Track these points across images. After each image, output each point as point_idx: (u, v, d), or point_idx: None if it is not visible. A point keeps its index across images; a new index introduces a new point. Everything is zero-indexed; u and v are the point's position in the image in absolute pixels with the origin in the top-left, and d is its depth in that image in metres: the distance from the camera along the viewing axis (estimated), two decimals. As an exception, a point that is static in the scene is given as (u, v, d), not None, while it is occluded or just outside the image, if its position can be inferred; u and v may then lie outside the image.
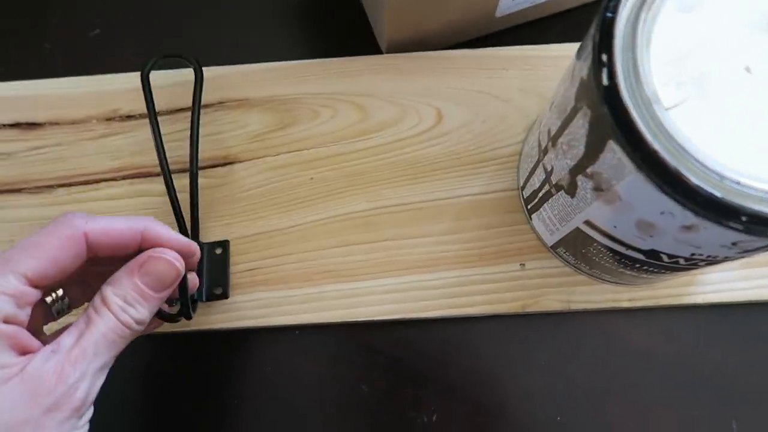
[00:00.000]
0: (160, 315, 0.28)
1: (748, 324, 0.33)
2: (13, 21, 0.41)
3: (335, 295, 0.33)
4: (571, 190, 0.26)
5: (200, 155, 0.35)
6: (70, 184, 0.35)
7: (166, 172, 0.32)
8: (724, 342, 0.33)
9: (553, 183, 0.28)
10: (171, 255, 0.26)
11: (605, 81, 0.20)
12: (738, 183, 0.19)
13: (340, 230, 0.34)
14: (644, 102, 0.20)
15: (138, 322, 0.25)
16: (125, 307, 0.25)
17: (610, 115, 0.20)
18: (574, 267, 0.32)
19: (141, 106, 0.36)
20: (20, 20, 0.41)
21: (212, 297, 0.33)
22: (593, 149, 0.22)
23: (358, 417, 0.33)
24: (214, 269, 0.33)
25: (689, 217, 0.20)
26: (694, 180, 0.19)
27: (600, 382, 0.33)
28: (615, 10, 0.21)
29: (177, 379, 0.34)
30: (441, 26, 0.36)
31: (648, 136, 0.19)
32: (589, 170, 0.23)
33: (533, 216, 0.33)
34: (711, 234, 0.21)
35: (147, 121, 0.35)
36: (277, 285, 0.33)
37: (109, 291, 0.24)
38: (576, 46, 0.36)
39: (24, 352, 0.23)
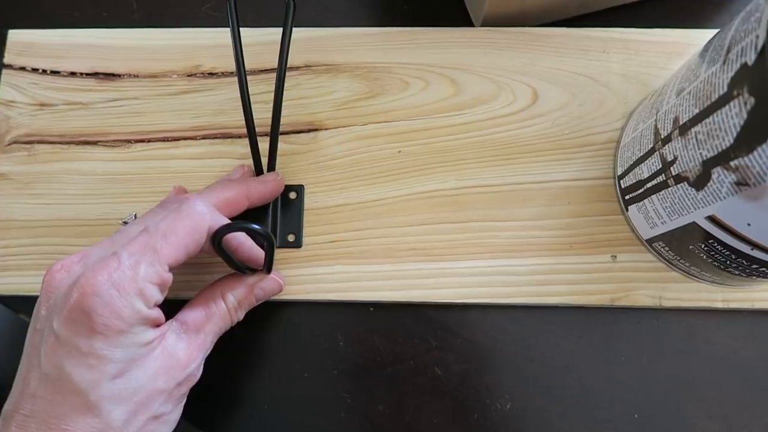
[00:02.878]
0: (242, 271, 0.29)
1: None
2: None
3: (418, 274, 0.32)
4: (700, 182, 0.25)
5: (284, 120, 0.34)
6: (148, 140, 0.34)
7: (251, 129, 0.31)
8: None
9: (673, 174, 0.26)
10: (281, 279, 0.31)
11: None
12: None
13: (426, 207, 0.33)
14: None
15: (235, 321, 0.29)
16: (237, 308, 0.29)
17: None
18: (669, 263, 0.31)
19: (223, 64, 0.35)
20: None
21: (285, 243, 0.32)
22: (749, 141, 0.21)
23: (430, 400, 0.32)
24: (288, 214, 0.33)
25: None
26: None
27: (680, 382, 0.32)
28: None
29: (248, 347, 0.33)
30: (543, 2, 0.34)
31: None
32: (734, 163, 0.22)
33: (630, 207, 0.31)
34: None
35: (229, 80, 0.34)
36: (359, 259, 0.32)
37: (228, 292, 0.28)
38: (677, 32, 0.35)
39: (157, 324, 0.25)
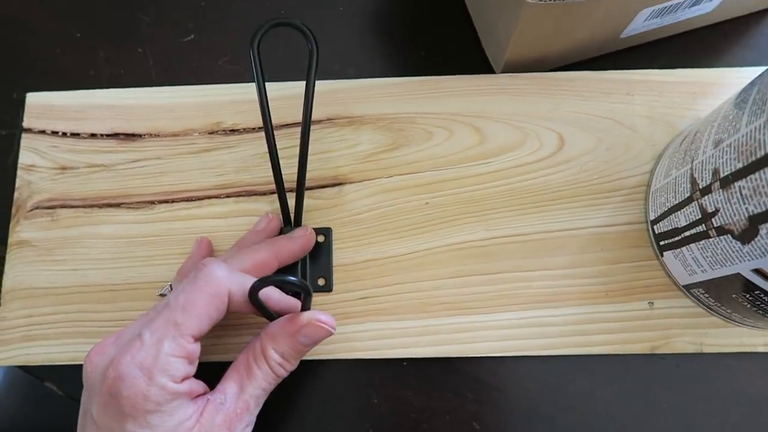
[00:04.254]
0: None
1: None
2: (105, 22, 0.39)
3: (451, 329, 0.31)
4: (746, 236, 0.24)
5: (308, 174, 0.33)
6: (172, 201, 0.33)
7: (280, 185, 0.31)
8: None
9: (715, 226, 0.26)
10: (328, 322, 0.27)
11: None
12: None
13: (457, 260, 0.32)
14: None
15: (287, 374, 0.28)
16: (282, 362, 0.27)
17: None
18: (708, 308, 0.31)
19: (245, 120, 0.35)
20: (112, 22, 0.39)
21: (316, 288, 0.32)
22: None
23: (469, 455, 0.31)
24: (317, 258, 0.32)
25: None
26: None
27: (723, 427, 0.31)
28: None
29: (281, 405, 0.32)
30: (564, 46, 0.34)
31: None
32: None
33: (666, 253, 0.31)
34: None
35: (251, 136, 0.34)
36: (391, 315, 0.32)
37: (269, 348, 0.27)
38: (700, 71, 0.35)
39: (195, 395, 0.25)
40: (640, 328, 0.31)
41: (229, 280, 0.25)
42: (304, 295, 0.27)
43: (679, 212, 0.29)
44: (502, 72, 0.36)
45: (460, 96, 0.35)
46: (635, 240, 0.32)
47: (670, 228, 0.30)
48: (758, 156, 0.22)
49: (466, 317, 0.31)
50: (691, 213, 0.28)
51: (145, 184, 0.34)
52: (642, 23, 0.34)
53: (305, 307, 0.27)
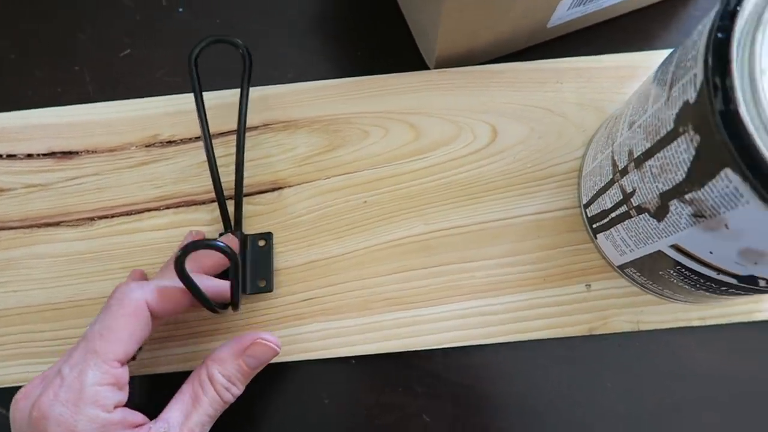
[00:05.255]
0: (208, 307, 0.28)
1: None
2: (40, 42, 0.39)
3: (396, 324, 0.32)
4: (660, 214, 0.25)
5: (247, 180, 0.34)
6: (111, 216, 0.33)
7: (219, 194, 0.31)
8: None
9: (634, 205, 0.27)
10: (273, 340, 0.28)
11: (720, 106, 0.19)
12: None
13: (397, 255, 0.33)
14: (767, 127, 0.19)
15: (235, 397, 0.27)
16: (229, 386, 0.27)
17: (729, 142, 0.19)
18: (642, 286, 0.31)
19: (182, 131, 0.35)
20: (49, 42, 0.39)
21: (257, 290, 0.32)
22: (699, 176, 0.21)
23: (422, 448, 0.32)
24: (258, 261, 0.32)
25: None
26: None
27: (668, 403, 0.32)
28: (729, 31, 0.20)
29: (232, 411, 0.32)
30: (492, 38, 0.35)
31: (773, 164, 0.18)
32: (688, 196, 0.22)
33: (599, 235, 0.32)
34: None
35: (189, 146, 0.34)
36: (336, 315, 0.32)
37: (215, 371, 0.27)
38: (626, 56, 0.36)
39: (133, 425, 0.25)
40: (579, 311, 0.32)
41: (143, 293, 0.25)
42: (231, 264, 0.27)
43: (605, 194, 0.29)
44: (435, 68, 0.36)
45: (395, 94, 0.35)
46: (570, 225, 0.33)
47: (599, 210, 0.31)
48: (662, 135, 0.23)
49: (409, 311, 0.32)
50: (614, 195, 0.28)
51: (83, 201, 0.34)
52: (566, 12, 0.35)
53: (233, 276, 0.28)
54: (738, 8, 0.20)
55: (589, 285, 0.32)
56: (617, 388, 0.32)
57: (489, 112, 0.35)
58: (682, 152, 0.22)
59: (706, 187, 0.21)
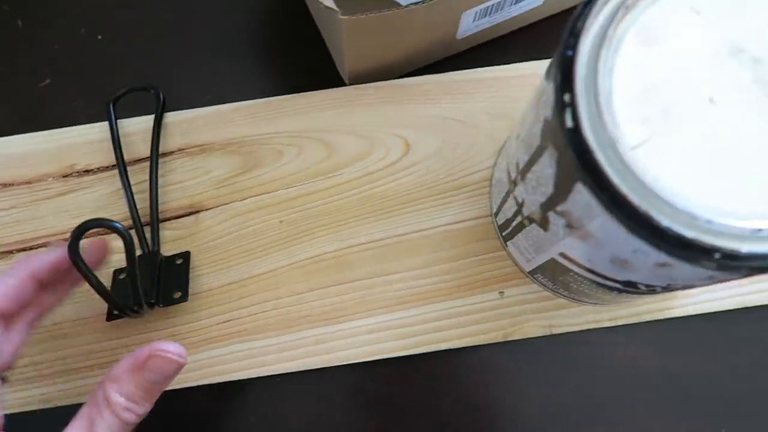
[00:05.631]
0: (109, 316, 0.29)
1: (730, 331, 0.33)
2: (-43, 77, 0.39)
3: (314, 341, 0.32)
4: (544, 224, 0.25)
5: (165, 205, 0.34)
6: (30, 248, 0.34)
7: (135, 219, 0.32)
8: (709, 351, 0.33)
9: (525, 215, 0.27)
10: (173, 351, 0.25)
11: (569, 123, 0.20)
12: (709, 221, 0.19)
13: (314, 273, 0.33)
14: (609, 143, 0.19)
15: (140, 417, 0.25)
16: (130, 406, 0.24)
17: (575, 157, 0.20)
18: (553, 291, 0.32)
19: (99, 160, 0.35)
20: (-35, 76, 0.39)
21: (171, 302, 0.32)
22: (562, 189, 0.22)
23: (348, 461, 0.32)
24: (174, 276, 0.33)
25: (662, 256, 0.20)
26: (665, 222, 0.19)
27: (589, 402, 0.33)
28: (575, 48, 0.21)
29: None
30: (402, 53, 0.35)
31: (614, 179, 0.19)
32: (559, 208, 0.23)
33: (509, 243, 0.32)
34: (686, 270, 0.20)
35: (106, 174, 0.35)
36: (255, 335, 0.32)
37: (112, 392, 0.24)
38: (539, 63, 0.36)
39: None
40: (493, 318, 0.32)
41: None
42: (124, 243, 0.27)
43: (506, 204, 0.30)
44: (351, 84, 0.37)
45: (308, 112, 0.36)
46: (483, 233, 0.34)
47: (504, 220, 0.31)
48: (533, 149, 0.24)
49: (327, 327, 0.32)
50: (511, 205, 0.29)
51: (1, 234, 0.34)
52: (473, 24, 0.35)
53: (129, 258, 0.27)
54: (583, 26, 0.21)
55: (503, 292, 0.33)
56: (539, 391, 0.33)
57: (402, 125, 0.35)
58: (547, 167, 0.22)
59: (568, 201, 0.22)
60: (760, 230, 0.19)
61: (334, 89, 0.36)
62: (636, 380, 0.33)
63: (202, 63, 0.39)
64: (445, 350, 0.32)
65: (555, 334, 0.33)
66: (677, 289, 0.24)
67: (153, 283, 0.31)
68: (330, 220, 0.34)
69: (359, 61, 0.34)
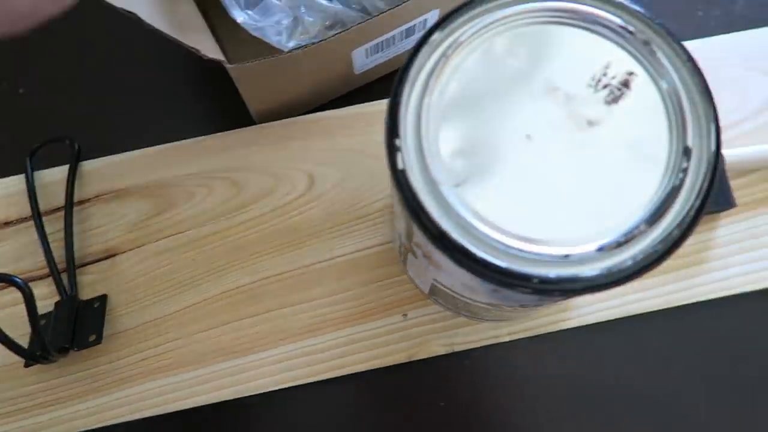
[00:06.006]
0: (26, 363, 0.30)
1: (630, 336, 0.35)
2: None
3: (228, 372, 0.34)
4: (416, 253, 0.27)
5: (82, 251, 0.36)
6: (-47, 300, 0.35)
7: (52, 266, 0.34)
8: (610, 356, 0.35)
9: (403, 244, 0.29)
10: None
11: (399, 165, 0.22)
12: (521, 251, 0.20)
13: (228, 306, 0.35)
14: (432, 183, 0.21)
15: None
16: None
17: (402, 197, 0.21)
18: (452, 311, 0.34)
19: (17, 211, 0.37)
20: None
21: (86, 345, 0.34)
22: (409, 224, 0.23)
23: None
24: (91, 319, 0.34)
25: (487, 284, 0.21)
26: (480, 254, 0.20)
27: (498, 414, 0.34)
28: (401, 95, 0.22)
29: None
30: (302, 91, 0.37)
31: (436, 216, 0.21)
32: (414, 241, 0.25)
33: (408, 267, 0.34)
34: (514, 294, 0.22)
35: (24, 225, 0.36)
36: (171, 371, 0.34)
37: None
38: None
39: None
40: (397, 340, 0.34)
41: None
42: (24, 297, 0.28)
43: (398, 231, 0.32)
44: (259, 122, 0.38)
45: (217, 153, 0.37)
46: (386, 259, 0.35)
47: (399, 245, 0.33)
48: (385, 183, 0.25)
49: (239, 359, 0.34)
50: (399, 232, 0.31)
51: (-74, 289, 0.35)
52: (368, 60, 0.37)
53: (29, 310, 0.29)
54: (408, 75, 0.22)
55: (406, 314, 0.34)
56: (449, 408, 0.34)
57: (305, 160, 0.37)
58: (398, 203, 0.24)
59: (415, 234, 0.23)
60: (567, 256, 0.20)
61: (241, 129, 0.38)
62: (543, 390, 0.34)
63: (121, 110, 0.41)
64: (352, 374, 0.34)
65: (459, 353, 0.34)
66: (537, 306, 0.26)
67: (69, 328, 0.33)
68: (240, 255, 0.35)
69: (261, 102, 0.36)
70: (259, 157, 0.37)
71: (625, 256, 0.20)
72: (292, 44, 0.31)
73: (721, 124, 0.21)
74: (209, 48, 0.31)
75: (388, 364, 0.34)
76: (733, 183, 0.34)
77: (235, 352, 0.34)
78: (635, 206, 0.21)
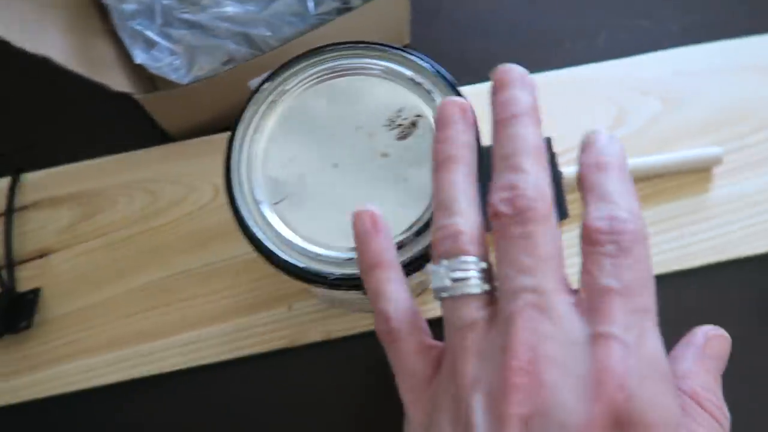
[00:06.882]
0: None
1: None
2: None
3: (140, 353, 0.40)
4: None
5: (20, 251, 0.42)
6: None
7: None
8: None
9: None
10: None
11: (232, 188, 0.28)
12: (318, 255, 0.26)
13: (143, 298, 0.41)
14: (254, 203, 0.27)
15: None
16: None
17: (232, 213, 0.27)
18: (329, 304, 0.40)
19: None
20: None
21: (17, 330, 0.39)
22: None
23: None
24: (26, 308, 0.40)
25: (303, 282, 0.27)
26: (284, 256, 0.26)
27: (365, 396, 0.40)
28: (236, 131, 0.28)
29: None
30: (209, 115, 0.43)
31: (254, 229, 0.27)
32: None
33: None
34: (327, 290, 0.28)
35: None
36: (94, 351, 0.40)
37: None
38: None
39: None
40: (283, 328, 0.40)
41: None
42: None
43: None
44: (177, 140, 0.45)
45: (138, 166, 0.44)
46: (278, 258, 0.41)
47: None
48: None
49: (153, 343, 0.40)
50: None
51: None
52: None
53: None
54: (241, 115, 0.29)
55: (291, 305, 0.40)
56: (320, 396, 0.40)
57: (213, 174, 0.43)
58: (244, 215, 0.30)
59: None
60: (350, 259, 0.26)
61: (159, 146, 0.44)
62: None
63: (59, 128, 0.47)
64: (244, 357, 0.40)
65: (333, 341, 0.40)
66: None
67: (3, 315, 0.39)
68: (156, 254, 0.42)
69: (171, 125, 0.42)
70: (173, 170, 0.43)
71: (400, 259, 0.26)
72: (188, 79, 0.37)
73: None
74: (119, 82, 0.37)
75: (273, 348, 0.40)
76: (570, 196, 0.40)
77: (150, 336, 0.40)
78: (408, 221, 0.27)
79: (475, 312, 0.21)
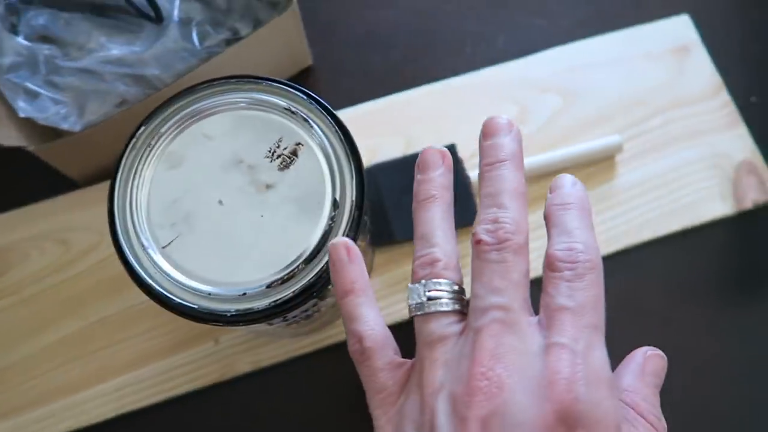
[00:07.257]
0: None
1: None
2: None
3: (65, 407, 0.39)
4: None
5: (-72, 319, 0.40)
6: None
7: None
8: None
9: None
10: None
11: (116, 235, 0.27)
12: (210, 294, 0.26)
13: (63, 351, 0.40)
14: (142, 249, 0.27)
15: None
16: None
17: (120, 260, 0.27)
18: (256, 334, 0.40)
19: None
20: None
21: None
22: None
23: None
24: None
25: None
26: (176, 299, 0.26)
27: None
28: (115, 179, 0.28)
29: None
30: (111, 157, 0.42)
31: (144, 275, 0.27)
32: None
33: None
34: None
35: None
36: (16, 412, 0.39)
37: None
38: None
39: None
40: (210, 363, 0.40)
41: None
42: None
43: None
44: (84, 185, 0.44)
45: (48, 217, 0.43)
46: (199, 294, 0.41)
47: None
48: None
49: (75, 396, 0.39)
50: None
51: None
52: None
53: None
54: (122, 161, 0.28)
55: (218, 340, 0.40)
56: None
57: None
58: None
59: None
60: (244, 294, 0.26)
61: (67, 194, 0.43)
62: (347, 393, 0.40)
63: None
64: (174, 397, 0.39)
65: (263, 371, 0.40)
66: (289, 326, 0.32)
67: None
68: (72, 304, 0.41)
69: (73, 171, 0.42)
70: (83, 217, 0.42)
71: (288, 290, 0.26)
72: (80, 126, 0.37)
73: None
74: (9, 136, 0.36)
75: (203, 385, 0.39)
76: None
77: (71, 391, 0.39)
78: (298, 250, 0.27)
79: (445, 327, 0.24)
